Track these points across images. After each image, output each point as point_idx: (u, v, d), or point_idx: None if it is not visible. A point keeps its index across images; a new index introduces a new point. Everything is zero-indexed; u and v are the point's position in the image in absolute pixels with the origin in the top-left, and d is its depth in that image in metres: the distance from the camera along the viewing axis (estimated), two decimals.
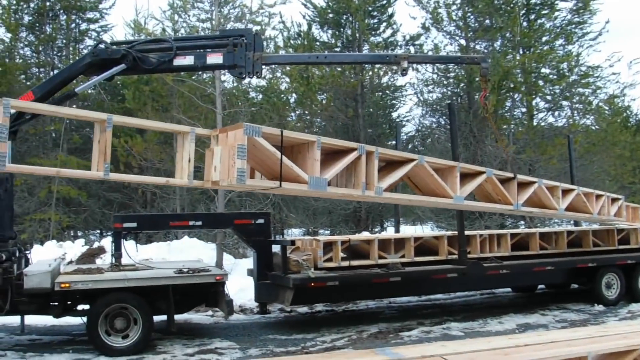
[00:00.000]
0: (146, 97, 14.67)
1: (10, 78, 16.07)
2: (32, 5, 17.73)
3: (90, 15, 18.91)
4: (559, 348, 3.58)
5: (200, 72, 14.46)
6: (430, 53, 17.00)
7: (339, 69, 16.23)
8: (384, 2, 18.26)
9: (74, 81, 7.11)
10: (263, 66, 6.77)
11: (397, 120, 19.04)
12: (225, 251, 12.51)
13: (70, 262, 10.33)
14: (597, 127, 18.37)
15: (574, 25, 17.24)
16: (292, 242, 8.44)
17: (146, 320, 6.65)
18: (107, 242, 11.06)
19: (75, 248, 11.96)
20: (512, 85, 15.83)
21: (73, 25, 18.67)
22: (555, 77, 16.68)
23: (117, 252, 7.54)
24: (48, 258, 8.68)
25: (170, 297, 6.92)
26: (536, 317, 8.61)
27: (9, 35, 17.10)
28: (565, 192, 8.13)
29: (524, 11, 17.00)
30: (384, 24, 18.49)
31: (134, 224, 7.82)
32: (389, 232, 15.73)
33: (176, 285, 6.95)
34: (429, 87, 18.58)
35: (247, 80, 8.34)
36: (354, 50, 17.54)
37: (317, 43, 17.35)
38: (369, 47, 17.57)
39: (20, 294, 6.43)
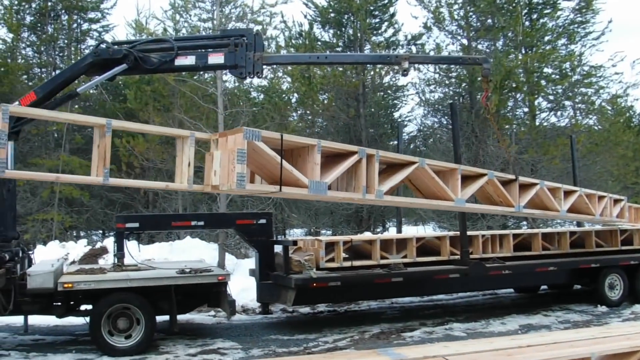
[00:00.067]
0: (148, 97, 14.67)
1: (12, 78, 16.11)
2: (33, 5, 17.75)
3: (91, 15, 18.94)
4: (562, 349, 3.57)
5: (201, 72, 14.47)
6: (431, 53, 16.98)
7: (341, 69, 16.21)
8: (386, 1, 18.22)
9: (76, 81, 7.12)
10: (264, 66, 6.76)
11: (399, 120, 19.02)
12: (228, 251, 12.51)
13: (73, 263, 10.34)
14: (599, 127, 18.33)
15: (576, 25, 17.21)
16: (294, 242, 8.44)
17: (149, 321, 6.66)
18: (109, 243, 11.08)
19: (77, 248, 11.97)
20: (514, 85, 15.79)
21: (75, 25, 18.70)
22: (557, 76, 16.64)
23: (120, 253, 7.56)
24: (51, 258, 8.69)
25: (173, 298, 6.93)
26: (539, 317, 8.60)
27: (11, 35, 17.14)
28: (567, 193, 8.10)
29: (526, 10, 16.97)
30: (386, 23, 18.49)
31: (137, 224, 7.83)
32: (391, 233, 15.70)
33: (178, 285, 6.96)
34: (431, 87, 18.56)
35: (248, 80, 8.33)
36: (356, 49, 17.53)
37: (319, 43, 17.33)
38: (370, 47, 17.55)
39: (23, 294, 6.45)
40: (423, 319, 8.57)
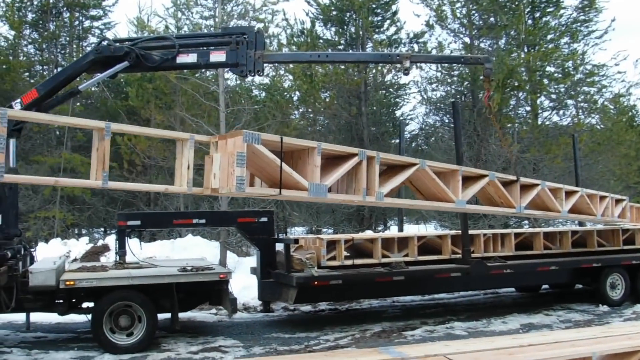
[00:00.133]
0: (149, 95, 14.67)
1: (14, 75, 16.13)
2: (35, 2, 17.76)
3: (93, 12, 18.95)
4: (563, 348, 3.56)
5: (203, 70, 14.46)
6: (434, 51, 16.93)
7: (343, 67, 16.19)
8: None
9: (78, 79, 7.11)
10: (265, 64, 6.76)
11: (401, 118, 19.01)
12: (229, 249, 12.52)
13: (75, 260, 10.36)
14: (602, 126, 18.28)
15: (579, 24, 17.17)
16: (296, 241, 8.44)
17: (150, 318, 6.68)
18: (111, 240, 11.09)
19: (79, 246, 11.99)
20: (516, 84, 15.73)
21: (76, 22, 18.69)
22: (560, 75, 16.59)
23: (121, 250, 7.57)
24: (53, 256, 8.70)
25: (174, 295, 6.94)
26: (540, 317, 8.60)
27: (13, 32, 17.16)
28: (569, 194, 8.08)
29: (529, 9, 16.93)
30: (388, 21, 18.43)
31: (138, 222, 7.84)
32: (393, 231, 15.70)
33: (180, 283, 6.97)
34: (433, 85, 18.51)
35: (249, 78, 8.32)
36: (358, 47, 17.50)
37: (321, 41, 17.31)
38: (372, 45, 17.52)
39: (25, 292, 6.47)
40: (424, 317, 8.57)
